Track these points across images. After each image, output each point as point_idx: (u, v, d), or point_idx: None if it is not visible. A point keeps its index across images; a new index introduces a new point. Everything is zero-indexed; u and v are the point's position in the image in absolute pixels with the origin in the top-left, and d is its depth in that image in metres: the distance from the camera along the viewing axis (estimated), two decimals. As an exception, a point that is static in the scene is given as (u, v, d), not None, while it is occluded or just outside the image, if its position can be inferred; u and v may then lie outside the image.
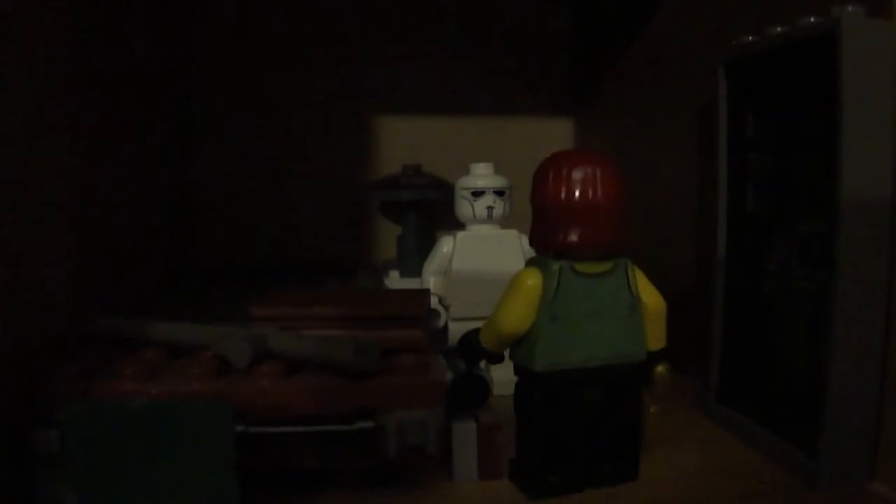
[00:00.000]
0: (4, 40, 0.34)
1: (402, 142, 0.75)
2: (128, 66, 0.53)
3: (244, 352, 0.33)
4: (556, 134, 0.78)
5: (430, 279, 0.52)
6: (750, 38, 0.40)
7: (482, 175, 0.52)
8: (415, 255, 0.62)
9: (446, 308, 0.51)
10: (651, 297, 0.36)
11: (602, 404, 0.35)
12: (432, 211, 0.67)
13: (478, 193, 0.51)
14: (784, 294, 0.39)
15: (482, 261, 0.51)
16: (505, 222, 0.53)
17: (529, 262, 0.36)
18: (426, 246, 0.57)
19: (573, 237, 0.34)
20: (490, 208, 0.51)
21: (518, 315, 0.34)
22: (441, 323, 0.51)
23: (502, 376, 0.39)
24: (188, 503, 0.30)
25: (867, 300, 0.34)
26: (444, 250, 0.52)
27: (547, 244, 0.35)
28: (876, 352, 0.35)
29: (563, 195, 0.34)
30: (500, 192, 0.52)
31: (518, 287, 0.34)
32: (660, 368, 0.37)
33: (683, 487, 0.36)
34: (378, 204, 0.74)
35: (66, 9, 0.41)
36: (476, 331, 0.37)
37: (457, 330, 0.47)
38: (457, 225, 0.54)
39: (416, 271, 0.55)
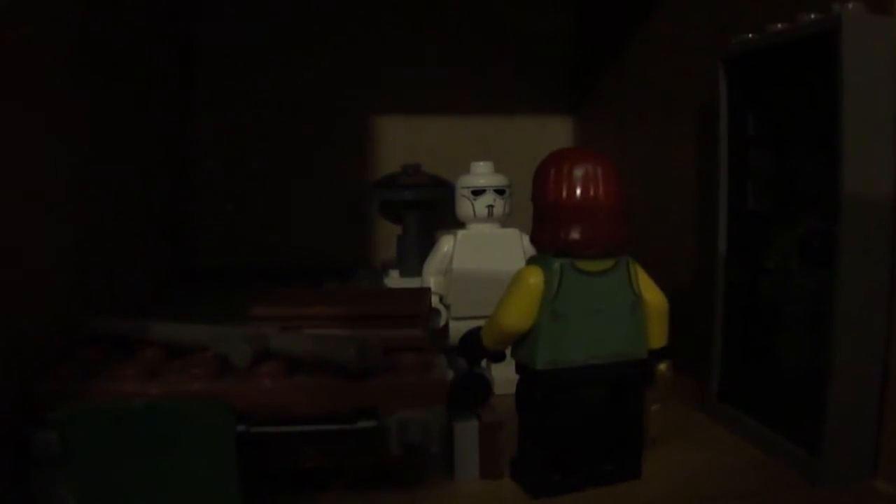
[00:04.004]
0: (3, 38, 0.34)
1: (402, 141, 0.75)
2: (127, 64, 0.53)
3: (245, 352, 0.33)
4: (555, 132, 0.78)
5: (431, 278, 0.52)
6: (750, 35, 0.40)
7: (482, 174, 0.52)
8: (415, 255, 0.62)
9: (447, 307, 0.51)
10: (653, 295, 0.36)
11: (604, 403, 0.35)
12: (432, 210, 0.67)
13: (478, 192, 0.51)
14: (785, 292, 0.39)
15: (483, 260, 0.51)
16: (505, 221, 0.53)
17: (531, 261, 0.36)
18: (426, 245, 0.57)
19: (575, 235, 0.34)
20: (490, 207, 0.51)
21: (520, 313, 0.34)
22: (442, 322, 0.51)
23: (504, 375, 0.39)
24: (189, 503, 0.30)
25: (868, 298, 0.34)
26: (445, 249, 0.52)
27: (548, 242, 0.35)
28: (877, 349, 0.35)
29: (564, 193, 0.34)
30: (500, 191, 0.52)
31: (520, 285, 0.34)
32: (661, 366, 0.37)
33: (685, 486, 0.36)
34: (378, 203, 0.74)
35: (65, 3, 0.41)
36: (477, 329, 0.37)
37: (458, 329, 0.47)
38: (457, 224, 0.53)
39: (417, 271, 0.55)
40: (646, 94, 0.62)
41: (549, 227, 0.35)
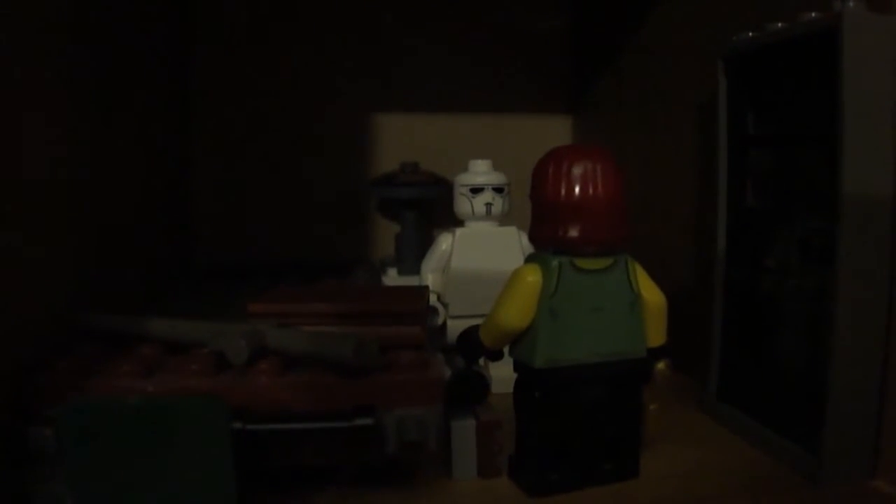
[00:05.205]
0: (3, 39, 0.34)
1: (400, 139, 0.75)
2: (126, 63, 0.52)
3: (242, 348, 0.33)
4: (554, 130, 0.78)
5: (429, 276, 0.52)
6: (750, 34, 0.40)
7: (481, 172, 0.52)
8: (413, 253, 0.62)
9: (445, 305, 0.51)
10: (651, 294, 0.36)
11: (602, 401, 0.35)
12: (431, 208, 0.67)
13: (476, 190, 0.51)
14: (784, 291, 0.39)
15: (481, 258, 0.51)
16: (504, 219, 0.53)
17: (529, 258, 0.36)
18: (425, 243, 0.56)
19: (573, 233, 0.34)
20: (489, 205, 0.51)
21: (518, 311, 0.34)
22: (440, 320, 0.51)
23: (501, 373, 0.39)
24: (185, 500, 0.29)
25: (868, 297, 0.34)
26: (443, 247, 0.52)
27: (547, 240, 0.35)
28: (877, 348, 0.35)
29: (563, 191, 0.34)
30: (498, 189, 0.52)
31: (518, 283, 0.34)
32: (660, 365, 0.37)
33: (683, 485, 0.36)
34: (376, 201, 0.74)
35: (65, 6, 0.41)
36: (475, 328, 0.37)
37: (455, 327, 0.47)
38: (455, 222, 0.53)
39: (415, 269, 0.55)
40: (645, 92, 0.62)
41: (547, 225, 0.35)
